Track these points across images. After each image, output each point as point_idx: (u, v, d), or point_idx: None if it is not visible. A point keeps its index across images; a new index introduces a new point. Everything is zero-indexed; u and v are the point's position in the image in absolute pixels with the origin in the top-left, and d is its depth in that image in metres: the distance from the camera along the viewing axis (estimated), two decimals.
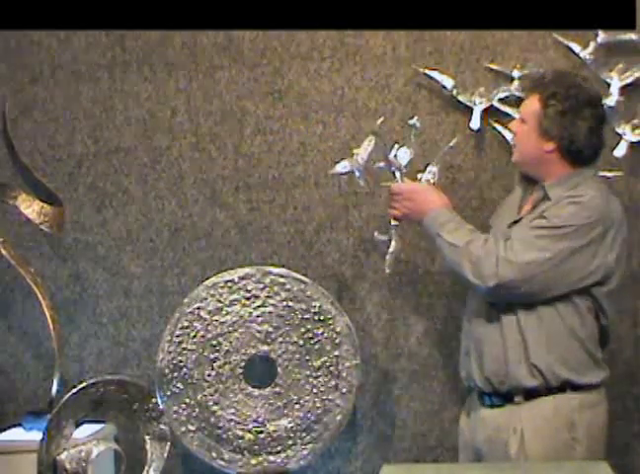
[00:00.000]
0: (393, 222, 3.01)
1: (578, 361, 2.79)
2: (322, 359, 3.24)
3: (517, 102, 3.23)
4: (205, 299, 3.25)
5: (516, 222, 2.88)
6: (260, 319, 3.25)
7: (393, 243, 3.03)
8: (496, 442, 2.84)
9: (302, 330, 3.24)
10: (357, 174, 3.15)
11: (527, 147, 2.88)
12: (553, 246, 2.74)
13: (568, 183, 2.82)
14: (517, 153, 2.93)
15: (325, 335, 3.24)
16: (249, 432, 3.25)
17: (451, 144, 3.19)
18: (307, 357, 3.24)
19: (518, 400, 2.82)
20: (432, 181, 3.08)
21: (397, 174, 3.00)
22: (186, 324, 3.25)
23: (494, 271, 2.73)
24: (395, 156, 3.01)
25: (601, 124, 2.85)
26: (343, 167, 3.17)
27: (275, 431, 3.25)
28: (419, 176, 3.08)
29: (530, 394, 2.81)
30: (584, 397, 2.80)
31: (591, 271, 2.77)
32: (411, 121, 3.04)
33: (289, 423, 3.24)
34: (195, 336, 3.25)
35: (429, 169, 3.10)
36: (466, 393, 3.01)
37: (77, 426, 2.92)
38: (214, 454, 3.25)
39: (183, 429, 3.25)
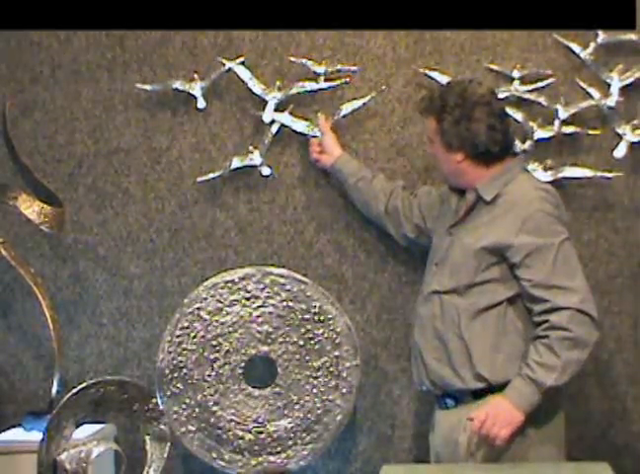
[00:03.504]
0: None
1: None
2: (322, 360, 3.24)
3: (517, 102, 3.25)
4: (205, 300, 3.25)
5: (455, 225, 2.94)
6: (260, 319, 3.25)
7: None
8: (449, 442, 2.89)
9: (302, 330, 3.24)
10: (257, 165, 3.35)
11: (443, 164, 2.98)
12: (567, 250, 2.82)
13: (497, 182, 2.88)
14: (441, 171, 3.05)
15: (325, 335, 3.24)
16: (249, 432, 3.25)
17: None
18: (307, 358, 3.24)
19: (467, 400, 2.87)
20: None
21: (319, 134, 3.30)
22: (186, 324, 3.25)
23: (583, 327, 2.75)
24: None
25: (500, 118, 2.90)
26: (235, 164, 3.35)
27: (275, 431, 3.25)
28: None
29: (478, 394, 2.85)
30: None
31: None
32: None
33: (290, 423, 3.25)
34: (195, 336, 3.25)
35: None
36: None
37: (77, 426, 2.92)
38: (214, 455, 3.26)
39: (183, 429, 3.25)
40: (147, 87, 3.40)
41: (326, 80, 3.34)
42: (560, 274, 2.77)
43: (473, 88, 2.91)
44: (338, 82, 3.34)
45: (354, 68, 3.35)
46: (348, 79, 3.34)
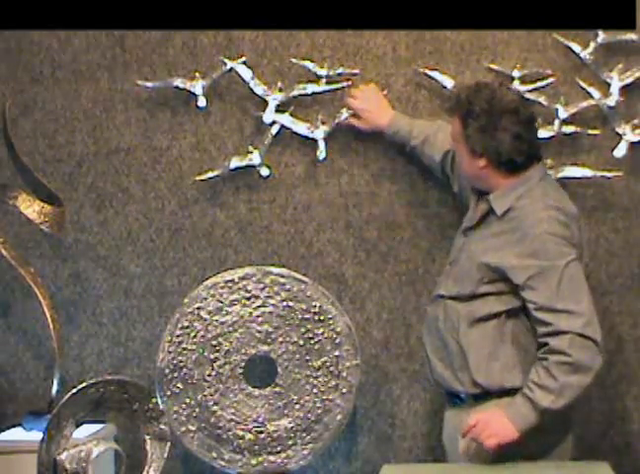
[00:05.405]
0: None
1: (522, 369, 2.80)
2: (322, 359, 3.24)
3: None
4: (206, 299, 3.25)
5: (468, 230, 2.92)
6: (260, 319, 3.25)
7: None
8: (453, 441, 2.89)
9: (302, 330, 3.24)
10: (256, 166, 3.36)
11: (465, 166, 2.92)
12: (573, 272, 2.75)
13: (511, 194, 2.82)
14: (463, 172, 2.98)
15: (325, 335, 3.24)
16: (249, 432, 3.25)
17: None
18: (307, 358, 3.24)
19: (469, 402, 2.87)
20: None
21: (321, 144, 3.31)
22: (186, 324, 3.25)
23: (584, 352, 2.69)
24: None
25: (527, 126, 2.83)
26: (234, 164, 3.35)
27: (275, 431, 3.25)
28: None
29: (479, 397, 2.85)
30: None
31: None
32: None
33: (290, 423, 3.25)
34: (195, 336, 3.25)
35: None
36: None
37: (77, 426, 2.91)
38: (215, 454, 3.26)
39: (183, 429, 3.25)
40: (148, 84, 3.40)
41: (327, 83, 3.33)
42: (564, 297, 2.70)
43: (502, 93, 2.84)
44: (339, 85, 3.33)
45: (355, 71, 3.34)
46: (349, 83, 3.34)
